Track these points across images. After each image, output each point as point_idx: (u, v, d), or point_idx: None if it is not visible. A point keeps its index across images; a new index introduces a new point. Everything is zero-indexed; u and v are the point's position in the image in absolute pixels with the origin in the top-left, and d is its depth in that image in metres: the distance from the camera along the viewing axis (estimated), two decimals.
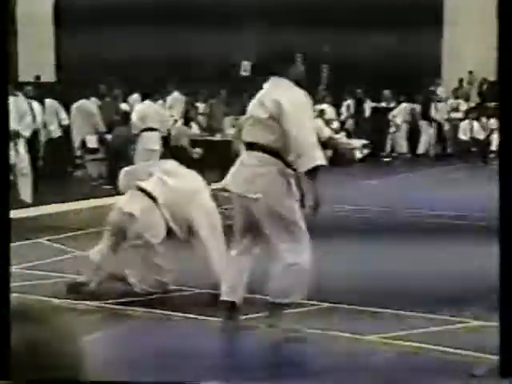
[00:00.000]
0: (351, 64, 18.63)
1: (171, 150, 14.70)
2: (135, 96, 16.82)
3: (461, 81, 21.41)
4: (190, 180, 6.68)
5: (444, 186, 13.54)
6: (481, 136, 18.75)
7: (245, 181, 5.24)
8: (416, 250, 7.29)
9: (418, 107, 19.52)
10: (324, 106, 17.97)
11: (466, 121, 18.99)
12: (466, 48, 21.10)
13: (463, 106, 20.07)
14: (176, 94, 16.93)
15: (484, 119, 19.56)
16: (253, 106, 5.40)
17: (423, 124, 19.52)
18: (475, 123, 18.84)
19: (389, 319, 5.72)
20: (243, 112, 6.21)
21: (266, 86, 5.42)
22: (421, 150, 19.31)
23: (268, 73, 5.47)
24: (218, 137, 15.45)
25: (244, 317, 5.55)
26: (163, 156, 13.95)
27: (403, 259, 6.89)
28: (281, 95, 5.19)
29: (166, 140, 13.41)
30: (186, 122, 14.78)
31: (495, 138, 19.77)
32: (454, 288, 6.28)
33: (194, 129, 15.24)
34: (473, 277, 6.21)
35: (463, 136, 18.83)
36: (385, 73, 19.31)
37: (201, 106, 17.55)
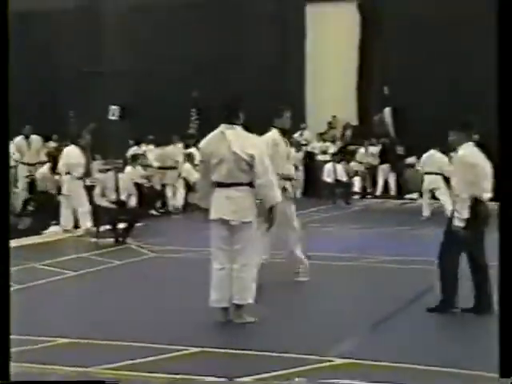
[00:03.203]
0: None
1: (37, 195, 14.36)
2: (19, 139, 16.52)
3: (329, 123, 22.22)
4: None
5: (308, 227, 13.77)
6: (344, 178, 19.40)
7: None
8: None
9: None
10: (192, 150, 18.08)
11: (330, 163, 19.60)
12: (327, 93, 21.93)
13: (331, 149, 20.74)
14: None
15: (349, 162, 20.32)
16: None
17: None
18: (338, 166, 19.49)
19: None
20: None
21: None
22: None
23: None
24: (87, 181, 15.12)
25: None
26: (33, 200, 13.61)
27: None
28: None
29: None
30: (54, 167, 14.40)
31: (357, 180, 20.52)
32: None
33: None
34: None
35: (328, 178, 19.40)
36: (250, 118, 19.65)
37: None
